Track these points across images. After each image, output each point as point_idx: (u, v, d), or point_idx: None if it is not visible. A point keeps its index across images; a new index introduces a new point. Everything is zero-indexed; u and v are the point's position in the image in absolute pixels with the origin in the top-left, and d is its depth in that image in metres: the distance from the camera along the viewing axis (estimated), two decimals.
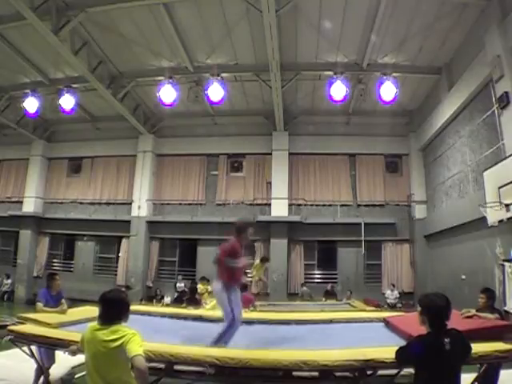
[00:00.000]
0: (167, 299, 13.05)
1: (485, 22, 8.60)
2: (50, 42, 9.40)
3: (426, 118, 12.70)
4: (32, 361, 4.39)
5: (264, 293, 12.56)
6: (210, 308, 7.09)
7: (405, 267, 13.52)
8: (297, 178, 14.44)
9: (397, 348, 2.72)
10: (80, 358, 3.13)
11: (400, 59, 10.97)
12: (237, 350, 3.70)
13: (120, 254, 14.79)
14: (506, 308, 7.24)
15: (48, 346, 4.14)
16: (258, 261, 10.56)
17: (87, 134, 15.87)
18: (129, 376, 2.46)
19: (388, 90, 10.80)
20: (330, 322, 5.53)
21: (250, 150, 14.82)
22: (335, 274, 13.76)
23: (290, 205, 13.94)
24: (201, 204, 14.85)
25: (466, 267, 9.78)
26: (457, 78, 10.37)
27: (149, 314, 6.12)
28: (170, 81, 11.28)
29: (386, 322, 4.89)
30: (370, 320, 5.46)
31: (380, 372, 3.32)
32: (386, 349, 3.30)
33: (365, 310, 7.61)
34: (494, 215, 7.43)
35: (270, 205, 14.03)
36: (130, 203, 14.93)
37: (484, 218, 7.84)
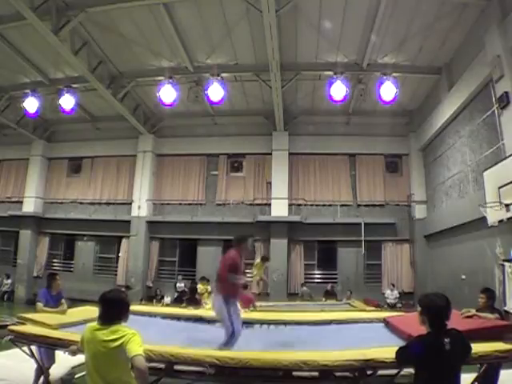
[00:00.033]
0: (167, 299, 13.06)
1: (485, 22, 8.60)
2: (50, 42, 9.40)
3: (426, 117, 12.70)
4: (32, 361, 4.39)
5: (264, 293, 12.55)
6: (210, 308, 7.07)
7: (405, 267, 13.51)
8: (297, 178, 14.44)
9: (397, 348, 2.72)
10: (80, 358, 3.13)
11: (400, 59, 10.98)
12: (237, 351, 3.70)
13: (120, 254, 14.79)
14: (506, 308, 7.24)
15: (48, 346, 4.14)
16: (258, 260, 10.56)
17: (87, 134, 15.88)
18: (129, 376, 2.46)
19: (388, 90, 10.80)
20: (330, 322, 5.53)
21: (250, 150, 14.83)
22: (335, 274, 13.76)
23: (290, 205, 13.94)
24: (201, 204, 14.86)
25: (466, 267, 9.78)
26: (457, 78, 10.37)
27: (149, 314, 6.12)
28: (170, 81, 11.28)
29: (386, 323, 4.89)
30: (370, 320, 5.46)
31: (380, 372, 3.32)
32: (386, 349, 3.30)
33: (365, 310, 7.60)
34: (493, 215, 7.43)
35: (270, 205, 14.03)
36: (130, 203, 14.93)
37: (484, 218, 7.84)
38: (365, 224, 13.10)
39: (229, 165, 15.18)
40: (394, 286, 12.94)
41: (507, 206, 6.89)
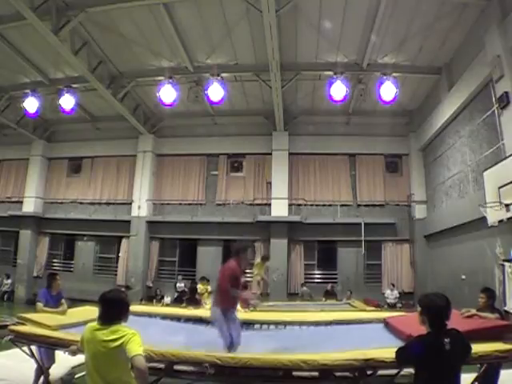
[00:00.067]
0: (167, 299, 13.06)
1: (485, 22, 8.60)
2: (50, 41, 9.40)
3: (426, 117, 12.70)
4: (32, 361, 4.39)
5: (265, 293, 12.52)
6: (210, 308, 7.07)
7: (405, 267, 13.52)
8: (297, 178, 14.44)
9: (397, 348, 2.72)
10: (80, 358, 3.13)
11: (400, 59, 10.98)
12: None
13: (120, 254, 14.79)
14: (506, 308, 7.24)
15: (48, 346, 4.14)
16: (258, 260, 10.55)
17: (87, 134, 15.88)
18: (129, 376, 2.46)
19: (388, 90, 10.80)
20: (330, 323, 5.52)
21: (250, 150, 14.83)
22: (335, 274, 13.76)
23: (290, 205, 13.94)
24: (201, 204, 14.86)
25: (466, 267, 9.78)
26: (457, 78, 10.37)
27: (149, 315, 6.11)
28: (170, 81, 11.28)
29: (386, 323, 4.87)
30: (370, 321, 5.45)
31: (380, 372, 3.32)
32: (385, 349, 3.30)
33: (365, 310, 7.60)
34: (493, 215, 7.43)
35: (270, 205, 14.03)
36: (130, 203, 14.93)
37: (484, 218, 7.84)
38: (365, 224, 13.10)
39: (229, 165, 15.18)
40: (393, 285, 12.94)
41: (507, 205, 6.89)
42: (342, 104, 12.19)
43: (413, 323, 3.25)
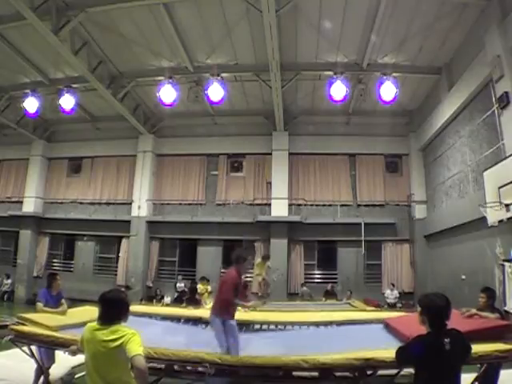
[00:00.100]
0: (167, 299, 13.06)
1: (485, 22, 8.60)
2: (50, 42, 9.40)
3: (426, 117, 12.70)
4: (32, 361, 4.39)
5: (266, 294, 12.46)
6: (210, 308, 7.07)
7: (405, 267, 13.51)
8: (297, 178, 14.44)
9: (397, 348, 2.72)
10: (80, 358, 3.13)
11: (400, 59, 10.97)
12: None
13: (120, 254, 14.79)
14: (506, 308, 7.24)
15: (48, 346, 4.14)
16: (259, 260, 10.55)
17: (87, 134, 15.88)
18: (129, 376, 2.46)
19: (388, 90, 10.79)
20: (330, 323, 5.52)
21: (250, 150, 14.82)
22: (335, 274, 13.76)
23: (290, 205, 13.94)
24: (201, 204, 14.85)
25: (466, 267, 9.78)
26: (457, 78, 10.37)
27: (149, 315, 6.11)
28: (170, 81, 11.28)
29: (386, 324, 4.86)
30: (370, 321, 5.45)
31: (380, 372, 3.32)
32: (386, 349, 3.30)
33: (365, 310, 7.60)
34: (493, 215, 7.43)
35: (270, 205, 14.03)
36: (130, 203, 14.93)
37: (484, 218, 7.84)
38: (365, 224, 13.10)
39: (229, 165, 15.18)
40: (393, 285, 12.94)
41: (507, 205, 6.88)
42: (342, 104, 12.19)
43: (412, 324, 3.25)
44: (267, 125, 14.26)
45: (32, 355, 4.29)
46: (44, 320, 4.48)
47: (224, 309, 4.47)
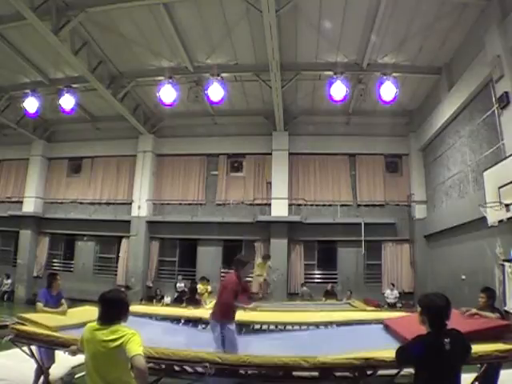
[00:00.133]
0: (167, 299, 13.07)
1: (485, 22, 8.60)
2: (50, 42, 9.40)
3: (426, 117, 12.70)
4: (32, 361, 4.39)
5: (266, 294, 12.44)
6: (210, 308, 7.08)
7: (405, 267, 13.51)
8: (297, 178, 14.44)
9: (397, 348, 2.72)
10: (80, 358, 3.13)
11: (400, 59, 10.97)
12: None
13: (120, 254, 14.79)
14: (506, 308, 7.24)
15: (48, 346, 4.14)
16: (260, 260, 10.55)
17: (87, 134, 15.88)
18: (128, 376, 2.46)
19: (388, 90, 10.79)
20: (330, 324, 5.51)
21: (250, 150, 14.82)
22: (335, 274, 13.75)
23: (290, 205, 13.94)
24: (201, 204, 14.85)
25: (466, 267, 9.78)
26: (457, 78, 10.37)
27: (149, 316, 6.10)
28: (170, 81, 11.28)
29: (386, 326, 4.85)
30: (370, 322, 5.44)
31: (380, 372, 3.31)
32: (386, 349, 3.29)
33: (365, 310, 7.60)
34: (493, 215, 7.43)
35: (270, 205, 14.03)
36: (130, 203, 14.93)
37: (484, 218, 7.84)
38: (365, 224, 13.10)
39: (229, 165, 15.18)
40: (393, 285, 12.94)
41: (507, 205, 6.89)
42: (342, 104, 12.19)
43: (411, 325, 3.25)
44: (267, 125, 14.26)
45: (32, 355, 4.29)
46: (44, 320, 4.48)
47: (224, 313, 4.49)
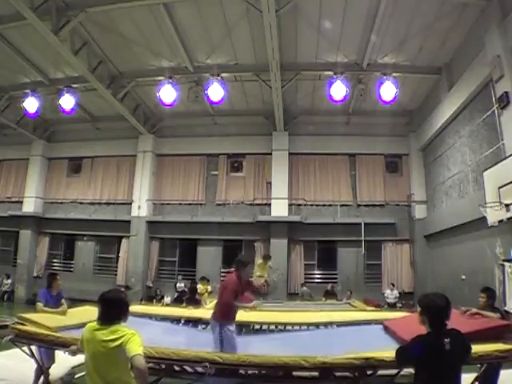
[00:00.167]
0: (167, 299, 13.06)
1: (485, 22, 8.60)
2: (50, 42, 9.40)
3: (426, 117, 12.70)
4: (32, 361, 4.39)
5: (266, 295, 12.42)
6: (210, 308, 7.08)
7: (405, 267, 13.51)
8: (297, 178, 14.44)
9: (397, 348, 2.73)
10: (80, 358, 3.13)
11: (400, 59, 10.97)
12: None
13: (120, 254, 14.79)
14: (506, 308, 7.24)
15: (48, 346, 4.14)
16: (260, 260, 10.53)
17: (87, 134, 15.88)
18: (128, 376, 2.46)
19: (388, 90, 10.79)
20: (330, 324, 5.51)
21: (250, 150, 14.83)
22: (335, 274, 13.75)
23: (290, 205, 13.94)
24: (201, 204, 14.85)
25: (466, 267, 9.78)
26: (457, 78, 10.37)
27: (148, 316, 6.10)
28: (170, 81, 11.28)
29: (385, 327, 4.84)
30: (370, 322, 5.43)
31: (380, 372, 3.31)
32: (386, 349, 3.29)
33: (365, 310, 7.60)
34: (493, 215, 7.43)
35: (270, 205, 14.03)
36: (130, 203, 14.93)
37: (484, 218, 7.84)
38: (365, 224, 13.10)
39: (229, 165, 15.18)
40: (393, 285, 12.94)
41: (507, 205, 6.89)
42: (342, 104, 12.19)
43: (411, 325, 3.25)
44: (267, 125, 14.26)
45: (32, 355, 4.29)
46: (44, 320, 4.47)
47: (224, 314, 4.49)
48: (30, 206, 15.66)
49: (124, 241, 14.83)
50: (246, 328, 5.53)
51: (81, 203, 15.74)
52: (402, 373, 3.48)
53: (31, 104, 12.38)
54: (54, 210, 15.95)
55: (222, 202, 14.67)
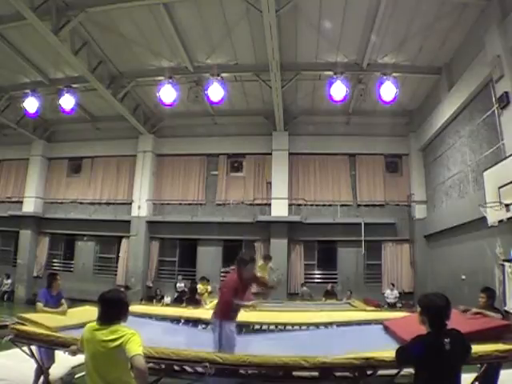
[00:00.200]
0: (167, 299, 13.06)
1: (485, 22, 8.60)
2: (50, 42, 9.40)
3: (426, 117, 12.70)
4: (32, 361, 4.39)
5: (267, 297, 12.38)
6: (210, 308, 7.07)
7: (405, 267, 13.52)
8: (297, 178, 14.44)
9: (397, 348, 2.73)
10: (80, 358, 3.13)
11: (400, 59, 10.97)
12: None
13: (120, 254, 14.79)
14: (506, 308, 7.24)
15: (48, 346, 4.14)
16: (261, 261, 10.51)
17: (87, 134, 15.88)
18: (128, 376, 2.46)
19: (388, 90, 10.80)
20: (330, 324, 5.51)
21: (250, 150, 14.83)
22: (335, 274, 13.75)
23: (290, 205, 13.94)
24: (201, 204, 14.86)
25: (466, 267, 9.78)
26: (457, 78, 10.37)
27: (148, 316, 6.10)
28: (170, 81, 11.28)
29: (385, 327, 4.84)
30: (370, 322, 5.43)
31: (380, 372, 3.31)
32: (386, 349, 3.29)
33: (365, 310, 7.59)
34: (493, 215, 7.43)
35: (270, 205, 14.03)
36: (130, 203, 14.93)
37: (484, 218, 7.84)
38: (365, 224, 13.10)
39: (229, 165, 15.18)
40: (393, 285, 12.94)
41: (507, 205, 6.89)
42: (342, 104, 12.19)
43: (411, 325, 3.24)
44: (267, 125, 14.26)
45: (32, 355, 4.29)
46: (44, 320, 4.47)
47: (224, 312, 4.48)
48: (29, 206, 15.66)
49: (124, 241, 14.84)
50: (245, 328, 5.52)
51: (81, 203, 15.74)
52: (402, 373, 3.48)
53: (31, 104, 12.38)
54: (53, 210, 15.95)
55: (222, 202, 14.67)
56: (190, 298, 9.27)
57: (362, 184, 14.28)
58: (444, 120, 11.19)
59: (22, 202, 15.91)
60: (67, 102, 11.99)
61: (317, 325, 5.58)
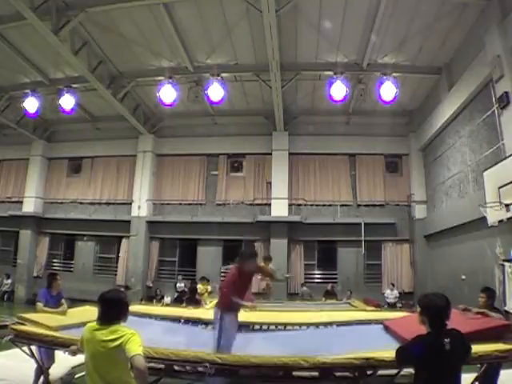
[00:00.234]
0: (167, 299, 13.06)
1: (485, 22, 8.61)
2: (50, 42, 9.40)
3: (426, 117, 12.70)
4: (32, 361, 4.39)
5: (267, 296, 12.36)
6: (210, 308, 7.07)
7: (405, 267, 13.52)
8: (297, 178, 14.45)
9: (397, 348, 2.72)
10: (80, 358, 3.13)
11: (400, 59, 10.98)
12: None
13: (120, 254, 14.79)
14: (506, 308, 7.24)
15: (48, 346, 4.13)
16: (261, 262, 10.47)
17: (87, 134, 15.88)
18: (128, 376, 2.46)
19: (388, 90, 10.80)
20: (330, 324, 5.51)
21: (250, 150, 14.83)
22: (335, 274, 13.75)
23: (290, 205, 13.94)
24: (201, 204, 14.86)
25: (466, 267, 9.78)
26: (457, 78, 10.37)
27: (148, 316, 6.10)
28: (170, 81, 11.29)
29: (385, 327, 4.84)
30: (370, 322, 5.43)
31: (380, 372, 3.31)
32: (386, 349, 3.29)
33: (365, 310, 7.59)
34: (493, 215, 7.43)
35: (270, 205, 14.03)
36: (130, 203, 14.93)
37: (484, 218, 7.85)
38: (365, 224, 13.10)
39: (229, 165, 15.18)
40: (393, 285, 12.94)
41: (507, 205, 6.89)
42: (342, 104, 12.20)
43: (411, 325, 3.24)
44: (267, 125, 14.26)
45: (32, 355, 4.29)
46: (44, 320, 4.47)
47: (224, 303, 4.51)
48: (30, 206, 15.67)
49: (124, 241, 14.84)
50: (245, 328, 5.51)
51: (81, 203, 15.75)
52: (402, 373, 3.49)
53: (31, 104, 12.38)
54: (53, 210, 15.95)
55: (222, 202, 14.67)
56: (190, 298, 9.26)
57: (362, 184, 14.28)
58: (444, 120, 11.19)
59: (21, 202, 15.91)
60: (67, 102, 12.00)
61: (317, 325, 5.57)
